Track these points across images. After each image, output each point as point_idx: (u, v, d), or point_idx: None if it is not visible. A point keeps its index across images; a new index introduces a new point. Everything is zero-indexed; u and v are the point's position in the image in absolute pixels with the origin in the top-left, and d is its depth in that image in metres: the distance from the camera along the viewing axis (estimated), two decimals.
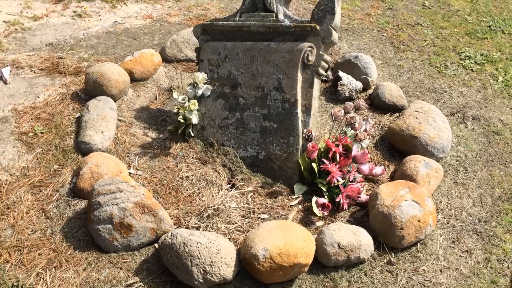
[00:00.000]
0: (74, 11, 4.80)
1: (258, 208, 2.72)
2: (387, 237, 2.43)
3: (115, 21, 4.69)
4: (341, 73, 3.62)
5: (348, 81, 3.58)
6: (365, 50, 4.23)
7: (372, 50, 4.24)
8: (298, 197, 2.80)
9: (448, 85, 3.80)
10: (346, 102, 2.98)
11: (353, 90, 3.56)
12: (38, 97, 3.50)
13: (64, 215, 2.60)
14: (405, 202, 2.43)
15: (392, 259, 2.40)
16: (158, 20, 4.82)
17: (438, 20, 4.80)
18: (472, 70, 4.02)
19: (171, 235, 2.25)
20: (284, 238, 2.23)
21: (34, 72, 3.76)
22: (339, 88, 3.58)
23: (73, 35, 4.40)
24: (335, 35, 2.91)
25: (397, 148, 3.12)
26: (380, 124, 3.33)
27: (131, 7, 5.09)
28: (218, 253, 2.20)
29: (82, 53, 4.12)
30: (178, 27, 4.60)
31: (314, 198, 2.70)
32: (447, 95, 3.68)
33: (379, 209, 2.45)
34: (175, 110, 3.16)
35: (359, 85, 3.60)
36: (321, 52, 2.91)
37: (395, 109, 3.43)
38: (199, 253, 2.17)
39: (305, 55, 2.87)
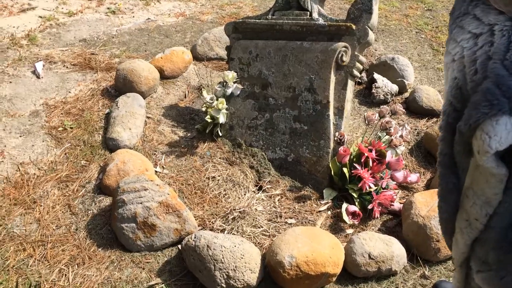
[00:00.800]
0: (108, 8, 4.83)
1: (285, 212, 2.62)
2: (422, 249, 2.29)
3: (148, 18, 4.69)
4: (376, 75, 3.48)
5: (383, 84, 3.45)
6: (402, 52, 4.07)
7: (410, 52, 4.07)
8: (327, 203, 2.69)
9: None
10: (381, 106, 2.85)
11: (388, 93, 3.42)
12: (69, 92, 3.51)
13: (89, 211, 2.58)
14: None
15: (426, 272, 2.26)
16: (191, 18, 4.79)
17: None
18: None
19: (195, 237, 2.18)
20: (311, 246, 2.13)
21: (67, 67, 3.78)
22: (373, 91, 3.44)
23: (106, 32, 4.42)
24: (371, 35, 2.79)
25: (434, 155, 2.97)
26: (416, 129, 3.18)
27: (164, 4, 5.09)
28: (242, 258, 2.12)
29: (114, 50, 4.13)
30: (210, 25, 4.56)
31: (344, 205, 2.59)
32: None
33: (414, 219, 2.31)
34: (204, 109, 3.10)
35: (394, 88, 3.45)
36: (356, 53, 2.79)
37: (432, 114, 3.27)
38: (223, 257, 2.10)
39: (339, 55, 2.76)
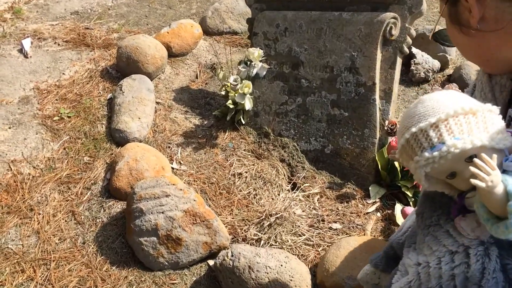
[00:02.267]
0: None
1: (327, 215, 2.25)
2: None
3: None
4: (414, 50, 3.06)
5: (423, 60, 3.03)
6: (435, 22, 3.63)
7: (443, 22, 3.64)
8: (375, 202, 2.31)
9: None
10: (434, 87, 2.45)
11: (430, 70, 3.01)
12: (63, 73, 3.04)
13: (97, 220, 2.18)
14: None
15: None
16: None
17: None
18: None
19: (232, 256, 1.80)
20: None
21: (58, 44, 3.30)
22: (412, 68, 3.03)
23: (101, 3, 3.90)
24: (425, 4, 2.35)
25: None
26: None
27: None
28: (292, 280, 1.75)
29: (111, 23, 3.63)
30: None
31: (399, 206, 2.22)
32: None
33: None
34: (222, 92, 2.67)
35: (436, 64, 3.04)
36: (406, 25, 2.36)
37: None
38: (269, 281, 1.73)
39: (388, 28, 2.33)
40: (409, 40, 2.40)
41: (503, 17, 0.87)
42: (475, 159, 0.84)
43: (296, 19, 2.54)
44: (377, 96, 2.38)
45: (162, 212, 1.93)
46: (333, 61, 2.45)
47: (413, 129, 0.91)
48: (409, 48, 2.45)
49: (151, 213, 1.93)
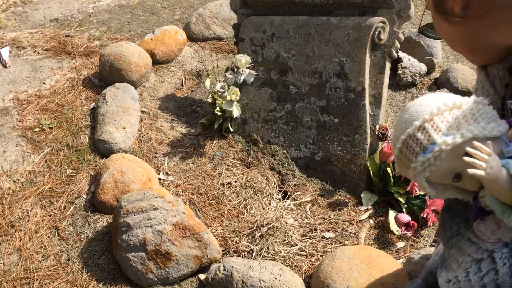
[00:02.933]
0: None
1: (320, 224, 2.20)
2: None
3: None
4: (401, 54, 3.05)
5: (410, 63, 3.02)
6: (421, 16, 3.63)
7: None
8: (367, 209, 2.28)
9: None
10: (422, 91, 2.43)
11: (417, 74, 3.00)
12: (43, 83, 2.95)
13: (82, 235, 2.09)
14: None
15: None
16: None
17: None
18: None
19: (225, 270, 1.74)
20: (371, 275, 1.72)
21: (38, 53, 3.20)
22: (399, 72, 3.01)
23: (81, 9, 3.81)
24: (412, 8, 2.34)
25: None
26: None
27: None
28: None
29: (92, 30, 3.55)
30: (202, 0, 4.00)
31: (392, 213, 2.18)
32: None
33: None
34: (209, 100, 2.61)
35: (423, 67, 3.03)
36: (395, 29, 2.34)
37: (469, 96, 2.88)
38: None
39: (376, 32, 2.30)
40: (397, 44, 2.37)
41: (485, 1, 0.86)
42: (467, 148, 0.81)
43: (283, 24, 2.49)
44: (367, 102, 2.35)
45: (150, 226, 1.86)
46: (322, 67, 2.42)
47: (402, 137, 0.90)
48: (397, 52, 2.42)
49: (139, 227, 1.86)
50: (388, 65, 2.40)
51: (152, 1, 3.98)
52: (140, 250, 1.85)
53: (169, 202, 1.92)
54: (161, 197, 1.93)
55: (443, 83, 2.93)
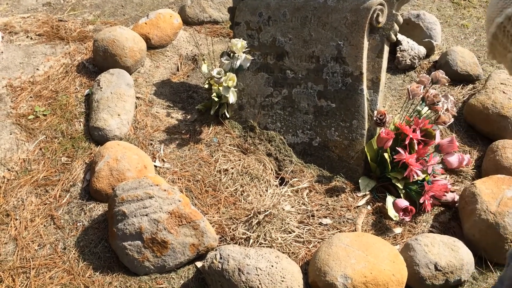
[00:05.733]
0: None
1: (317, 210, 2.19)
2: (492, 251, 1.91)
3: None
4: (400, 37, 2.99)
5: (409, 46, 2.97)
6: (420, 7, 3.57)
7: (428, 7, 3.59)
8: (365, 195, 2.26)
9: None
10: (421, 75, 2.39)
11: (416, 57, 2.96)
12: (37, 69, 2.90)
13: (78, 224, 2.08)
14: None
15: None
16: None
17: None
18: None
19: (221, 258, 1.73)
20: (367, 261, 1.71)
21: (31, 38, 3.14)
22: (398, 55, 2.97)
23: None
24: None
25: (478, 129, 2.56)
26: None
27: None
28: (283, 281, 1.69)
29: (86, 14, 3.48)
30: None
31: (390, 199, 2.17)
32: None
33: (482, 216, 1.91)
34: (206, 86, 2.58)
35: (422, 50, 2.98)
36: (394, 11, 2.29)
37: (468, 80, 2.84)
38: (260, 283, 1.66)
39: (374, 15, 2.25)
40: (396, 27, 2.33)
41: None
42: None
43: (280, 7, 2.44)
44: (364, 86, 2.31)
45: (146, 215, 1.85)
46: (319, 51, 2.38)
47: (498, 19, 0.78)
48: (395, 35, 2.38)
49: (134, 216, 1.85)
50: (386, 49, 2.36)
51: None
52: (136, 238, 1.84)
53: (165, 190, 1.90)
54: (157, 185, 1.91)
55: (442, 65, 2.88)
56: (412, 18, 3.07)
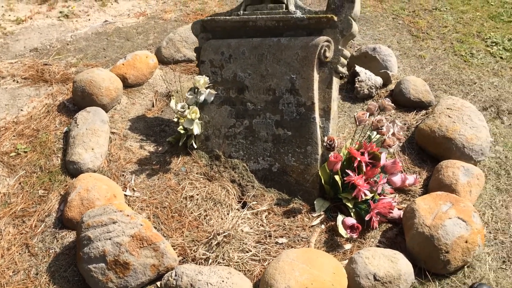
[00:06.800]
0: (60, 12, 4.42)
1: (274, 231, 2.35)
2: (430, 262, 2.06)
3: (106, 21, 4.30)
4: (358, 68, 3.23)
5: (367, 77, 3.20)
6: (381, 41, 3.83)
7: (389, 40, 3.85)
8: (319, 215, 2.43)
9: (477, 75, 3.41)
10: (369, 103, 2.60)
11: (373, 87, 3.18)
12: (21, 110, 3.13)
13: (50, 251, 2.24)
14: (449, 220, 2.06)
15: None
16: (152, 18, 4.43)
17: (458, 4, 4.39)
18: (501, 57, 3.62)
19: (175, 275, 1.88)
20: (310, 273, 1.86)
21: (17, 81, 3.39)
22: (356, 85, 3.19)
23: (60, 38, 4.02)
24: (355, 27, 2.52)
25: (428, 151, 2.74)
26: (405, 124, 2.95)
27: (122, 4, 4.70)
28: None
29: (69, 58, 3.75)
30: (175, 24, 4.21)
31: (340, 218, 2.33)
32: (477, 87, 3.29)
33: (419, 229, 2.07)
34: (175, 119, 2.79)
35: (378, 80, 3.21)
36: (339, 47, 2.52)
37: (421, 106, 3.05)
38: None
39: (322, 50, 2.48)
40: (343, 61, 2.56)
41: None
42: None
43: (239, 46, 2.68)
44: (316, 115, 2.52)
45: (110, 239, 2.02)
46: (275, 84, 2.60)
47: None
48: (352, 67, 2.60)
49: (99, 240, 2.01)
50: (335, 80, 2.58)
51: (127, 28, 4.20)
52: (100, 261, 2.00)
53: (128, 215, 2.07)
54: (120, 211, 2.08)
55: (397, 94, 3.10)
56: (369, 51, 3.32)
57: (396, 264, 1.98)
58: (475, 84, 3.32)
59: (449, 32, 3.94)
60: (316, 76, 2.53)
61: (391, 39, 3.86)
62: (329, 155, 2.39)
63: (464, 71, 3.46)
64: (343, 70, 2.61)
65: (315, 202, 2.46)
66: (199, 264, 2.13)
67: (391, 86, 3.26)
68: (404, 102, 3.07)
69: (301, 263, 1.91)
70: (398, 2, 4.45)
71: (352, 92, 3.23)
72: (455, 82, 3.34)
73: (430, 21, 4.10)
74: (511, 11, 4.28)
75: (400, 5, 4.39)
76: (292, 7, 2.57)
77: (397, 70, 3.38)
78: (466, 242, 2.04)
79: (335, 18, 2.47)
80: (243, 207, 2.51)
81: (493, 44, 3.78)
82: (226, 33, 2.75)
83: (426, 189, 2.53)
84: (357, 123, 2.45)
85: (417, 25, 4.04)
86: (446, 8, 4.31)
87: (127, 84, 3.28)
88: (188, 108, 2.62)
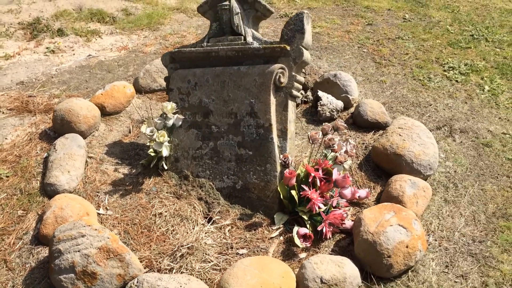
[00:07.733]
0: (47, 47, 4.69)
1: (236, 243, 2.53)
2: (374, 266, 2.24)
3: (89, 55, 4.58)
4: (320, 93, 3.48)
5: (328, 101, 3.44)
6: (346, 68, 4.10)
7: (353, 67, 4.12)
8: (279, 228, 2.62)
9: (433, 98, 3.66)
10: (324, 123, 2.82)
11: (334, 110, 3.42)
12: (5, 138, 3.34)
13: (26, 265, 2.41)
14: (390, 227, 2.25)
15: None
16: (134, 51, 4.71)
17: (419, 32, 4.70)
18: (457, 81, 3.89)
19: (137, 282, 2.06)
20: (260, 277, 2.04)
21: (3, 112, 3.61)
22: (319, 109, 3.43)
23: (45, 72, 4.28)
24: (306, 55, 2.78)
25: (382, 168, 2.96)
26: (363, 143, 3.18)
27: (106, 39, 4.99)
28: None
29: (53, 90, 3.99)
30: (154, 57, 4.49)
31: (295, 229, 2.52)
32: (432, 108, 3.54)
33: (364, 236, 2.26)
34: (148, 143, 3.00)
35: (339, 104, 3.45)
36: (293, 73, 2.77)
37: (379, 126, 3.28)
38: None
39: (277, 77, 2.73)
40: (297, 85, 2.80)
41: None
42: None
43: (204, 74, 2.93)
44: (274, 135, 2.74)
45: (78, 251, 2.19)
46: (236, 108, 2.83)
47: None
48: (301, 91, 2.83)
49: (68, 252, 2.19)
50: (291, 103, 2.82)
51: (109, 61, 4.47)
52: (70, 272, 2.17)
53: (96, 229, 2.26)
54: (89, 225, 2.27)
55: (356, 115, 3.34)
56: (330, 77, 3.57)
57: (342, 268, 2.16)
58: (430, 105, 3.57)
59: (409, 58, 4.22)
60: (273, 100, 2.76)
61: (355, 66, 4.13)
62: (285, 171, 2.60)
63: (421, 94, 3.72)
64: (298, 94, 2.85)
65: (275, 216, 2.65)
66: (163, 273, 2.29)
67: (352, 109, 3.50)
68: (362, 123, 3.31)
69: (253, 269, 2.09)
70: (364, 32, 4.76)
71: (316, 115, 3.46)
72: (412, 104, 3.59)
73: (393, 49, 4.40)
74: (469, 38, 4.58)
75: (366, 35, 4.69)
76: (249, 39, 2.83)
77: (359, 94, 3.63)
78: (407, 247, 2.22)
79: (288, 48, 2.73)
80: (208, 222, 2.69)
81: (450, 68, 4.05)
82: (192, 63, 3.00)
83: (379, 202, 2.73)
84: (311, 141, 2.67)
85: (380, 53, 4.32)
86: (408, 37, 4.61)
87: (105, 112, 3.51)
88: (157, 132, 2.84)
